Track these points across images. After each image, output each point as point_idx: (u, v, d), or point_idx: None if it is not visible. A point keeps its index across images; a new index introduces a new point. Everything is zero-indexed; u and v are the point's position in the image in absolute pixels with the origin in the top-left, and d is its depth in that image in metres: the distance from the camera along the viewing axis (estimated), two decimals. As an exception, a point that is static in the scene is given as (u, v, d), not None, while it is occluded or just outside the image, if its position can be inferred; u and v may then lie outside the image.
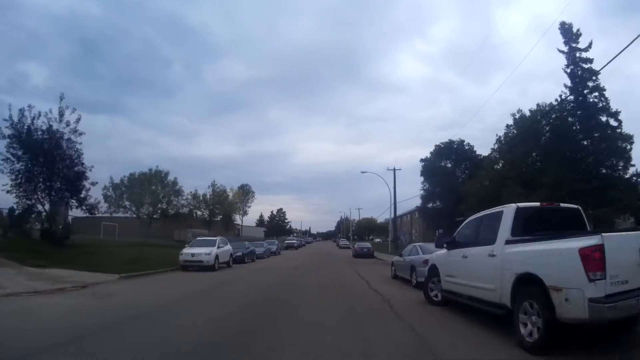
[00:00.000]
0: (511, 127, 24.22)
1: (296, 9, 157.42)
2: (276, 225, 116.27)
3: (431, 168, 44.87)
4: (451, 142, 44.68)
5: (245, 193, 70.10)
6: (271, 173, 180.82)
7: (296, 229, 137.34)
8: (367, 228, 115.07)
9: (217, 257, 19.89)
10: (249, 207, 73.03)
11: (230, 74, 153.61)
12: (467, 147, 44.70)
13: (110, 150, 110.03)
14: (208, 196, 52.54)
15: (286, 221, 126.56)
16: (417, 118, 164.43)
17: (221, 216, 57.01)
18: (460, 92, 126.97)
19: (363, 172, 46.03)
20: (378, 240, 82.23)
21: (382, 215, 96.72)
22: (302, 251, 50.63)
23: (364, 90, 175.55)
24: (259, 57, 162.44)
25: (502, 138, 24.59)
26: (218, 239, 21.66)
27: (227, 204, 56.99)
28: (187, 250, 20.07)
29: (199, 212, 52.77)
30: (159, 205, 37.92)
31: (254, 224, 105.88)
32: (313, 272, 18.88)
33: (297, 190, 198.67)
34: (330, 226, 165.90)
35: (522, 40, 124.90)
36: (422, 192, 47.70)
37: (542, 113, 21.42)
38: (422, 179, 47.30)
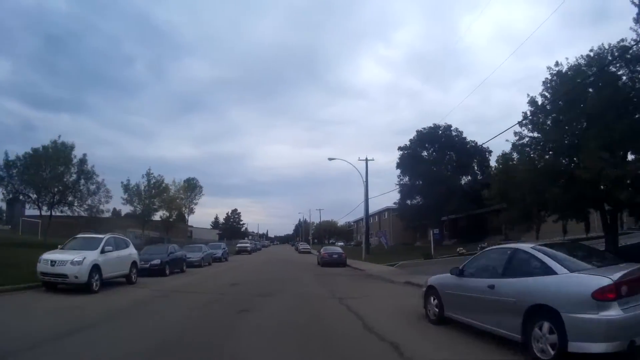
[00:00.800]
0: (549, 84, 17.28)
1: (262, 9, 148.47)
2: (231, 228, 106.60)
3: (413, 157, 37.63)
4: (436, 127, 37.65)
5: (191, 188, 59.98)
6: (230, 175, 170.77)
7: (252, 232, 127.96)
8: (327, 231, 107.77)
9: (96, 267, 11.50)
10: (196, 203, 62.90)
11: (194, 73, 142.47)
12: (455, 134, 37.91)
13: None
14: (142, 187, 42.74)
15: (241, 223, 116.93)
16: (378, 123, 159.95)
17: (161, 214, 47.42)
18: (421, 97, 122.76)
19: (331, 159, 38.34)
20: (340, 243, 74.66)
21: (344, 217, 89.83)
22: (256, 257, 41.70)
23: (325, 93, 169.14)
24: (223, 56, 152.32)
25: (536, 98, 17.42)
26: (106, 237, 12.81)
27: (168, 198, 47.27)
28: (49, 255, 11.64)
29: (131, 208, 43.19)
30: (60, 189, 27.23)
31: (209, 226, 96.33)
32: (265, 298, 10.75)
33: (255, 193, 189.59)
34: (289, 230, 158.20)
35: (484, 47, 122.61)
36: (397, 186, 40.50)
37: (609, 55, 14.50)
38: (398, 171, 40.14)
